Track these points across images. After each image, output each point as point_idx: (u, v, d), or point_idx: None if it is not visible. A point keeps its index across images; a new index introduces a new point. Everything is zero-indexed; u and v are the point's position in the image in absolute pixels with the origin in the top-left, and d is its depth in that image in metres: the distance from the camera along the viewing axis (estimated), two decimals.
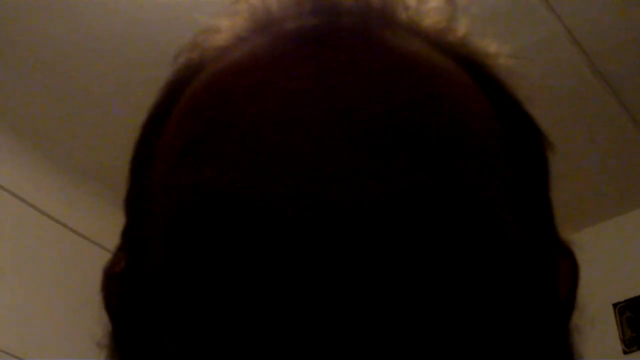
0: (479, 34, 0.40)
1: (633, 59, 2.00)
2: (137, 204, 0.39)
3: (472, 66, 0.38)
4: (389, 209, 0.31)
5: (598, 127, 2.18)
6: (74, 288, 2.10)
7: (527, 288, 0.34)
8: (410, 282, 0.31)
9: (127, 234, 0.40)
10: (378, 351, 0.29)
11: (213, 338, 0.31)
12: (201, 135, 0.34)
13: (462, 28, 0.40)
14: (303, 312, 0.29)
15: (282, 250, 0.30)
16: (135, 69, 1.94)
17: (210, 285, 0.31)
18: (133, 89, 1.91)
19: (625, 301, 2.38)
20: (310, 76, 0.33)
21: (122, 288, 0.39)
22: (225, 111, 0.34)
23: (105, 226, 2.17)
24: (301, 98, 0.33)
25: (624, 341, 2.33)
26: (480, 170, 0.34)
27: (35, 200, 2.18)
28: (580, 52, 1.97)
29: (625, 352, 2.32)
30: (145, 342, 0.35)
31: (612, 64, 2.01)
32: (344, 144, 0.31)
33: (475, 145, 0.34)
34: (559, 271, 0.39)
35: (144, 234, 0.37)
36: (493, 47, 0.40)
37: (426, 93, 0.34)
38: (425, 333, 0.30)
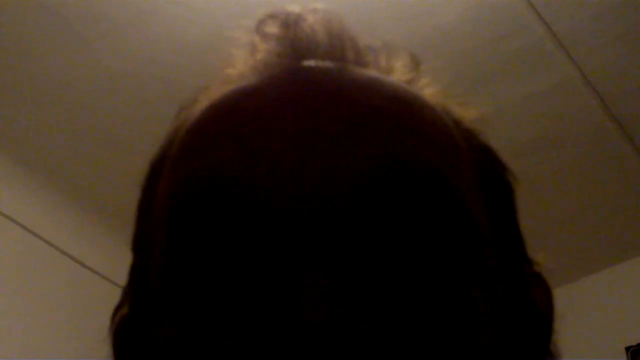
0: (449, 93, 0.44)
1: None
2: (140, 241, 0.42)
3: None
4: (358, 189, 0.33)
5: (613, 171, 2.18)
6: (88, 326, 2.09)
7: (498, 276, 0.36)
8: (384, 269, 0.33)
9: (132, 273, 0.43)
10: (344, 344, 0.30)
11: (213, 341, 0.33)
12: (196, 142, 0.38)
13: (424, 81, 0.43)
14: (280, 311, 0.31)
15: (267, 229, 0.33)
16: (148, 107, 1.96)
17: (209, 285, 0.34)
18: (146, 126, 1.93)
19: (638, 345, 2.35)
20: (289, 97, 0.37)
21: (128, 332, 0.41)
22: (216, 126, 0.38)
23: (119, 263, 2.17)
24: (282, 111, 0.36)
25: None
26: (450, 161, 0.37)
27: (49, 236, 2.18)
28: (595, 96, 1.98)
29: None
30: None
31: (627, 108, 2.02)
32: (317, 137, 0.35)
33: (444, 140, 0.38)
34: (533, 287, 0.41)
35: (146, 262, 0.39)
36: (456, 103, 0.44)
37: (400, 101, 0.38)
38: (397, 330, 0.31)
